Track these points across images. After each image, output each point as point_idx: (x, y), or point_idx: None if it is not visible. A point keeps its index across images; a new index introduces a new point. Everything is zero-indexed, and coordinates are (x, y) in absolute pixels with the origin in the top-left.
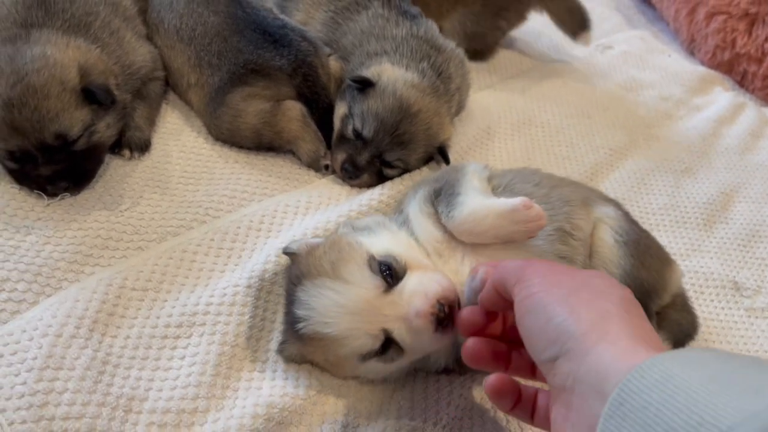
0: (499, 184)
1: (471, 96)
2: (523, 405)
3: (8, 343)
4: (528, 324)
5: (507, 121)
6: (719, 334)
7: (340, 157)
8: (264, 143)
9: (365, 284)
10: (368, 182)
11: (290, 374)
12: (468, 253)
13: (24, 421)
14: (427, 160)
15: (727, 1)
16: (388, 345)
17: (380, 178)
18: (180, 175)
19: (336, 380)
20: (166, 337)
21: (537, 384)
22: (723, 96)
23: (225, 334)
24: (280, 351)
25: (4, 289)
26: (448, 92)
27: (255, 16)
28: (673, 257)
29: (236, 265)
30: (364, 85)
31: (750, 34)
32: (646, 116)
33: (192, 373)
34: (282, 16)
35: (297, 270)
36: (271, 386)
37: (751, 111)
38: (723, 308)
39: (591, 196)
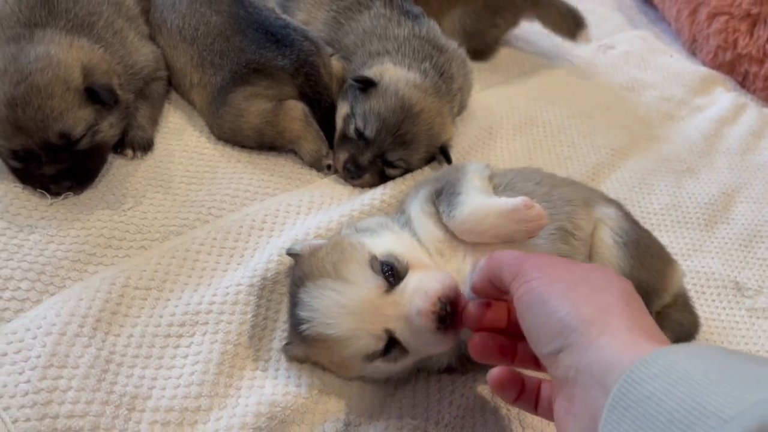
0: (500, 183)
1: (473, 96)
2: (527, 396)
3: (12, 342)
4: (529, 319)
5: (509, 121)
6: (720, 334)
7: (342, 156)
8: (266, 143)
9: (367, 284)
10: (370, 182)
11: (293, 373)
12: (469, 252)
13: (28, 419)
14: (429, 160)
15: (729, 1)
16: (392, 345)
17: (382, 178)
18: (183, 175)
19: (338, 379)
20: (169, 335)
21: (541, 375)
22: (724, 96)
23: (228, 333)
24: (285, 352)
25: (7, 288)
26: (450, 92)
27: (257, 16)
28: (674, 257)
29: (239, 264)
30: (367, 85)
31: (751, 34)
32: (647, 116)
33: (195, 371)
34: (284, 16)
35: (300, 271)
36: (274, 385)
37: (752, 111)
38: (724, 308)
39: (592, 197)
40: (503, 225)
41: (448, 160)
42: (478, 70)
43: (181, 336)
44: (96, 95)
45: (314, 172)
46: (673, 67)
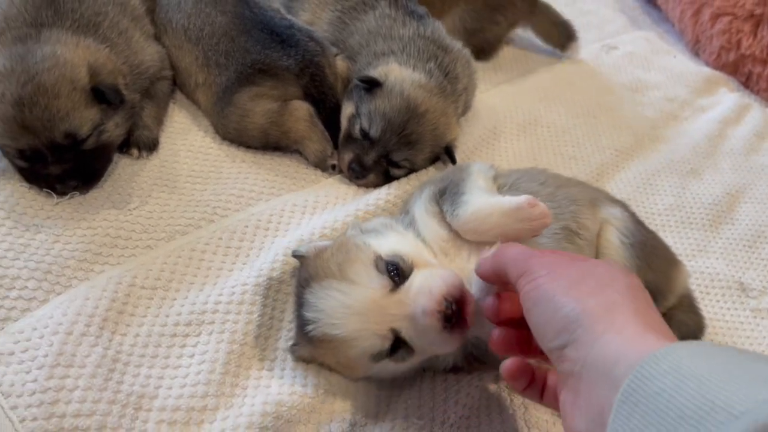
0: (504, 183)
1: (477, 96)
2: (534, 385)
3: (19, 341)
4: (535, 315)
5: (513, 121)
6: (725, 334)
7: (347, 156)
8: (271, 143)
9: (372, 284)
10: (375, 182)
11: (299, 372)
12: (473, 251)
13: (35, 419)
14: (434, 160)
15: (733, 2)
16: (398, 345)
17: (387, 178)
18: (188, 174)
19: (344, 379)
20: (175, 335)
21: (550, 366)
22: (728, 97)
23: (234, 332)
24: (292, 353)
25: (14, 287)
26: (455, 92)
27: (262, 16)
28: (679, 258)
29: (244, 263)
30: (372, 85)
31: (755, 35)
32: (651, 117)
33: (201, 371)
34: (289, 16)
35: (305, 273)
36: (280, 384)
37: (756, 112)
38: (729, 309)
39: (598, 197)
40: (507, 224)
41: (453, 161)
42: (482, 70)
43: (187, 335)
44: (102, 95)
45: (319, 172)
46: (677, 67)
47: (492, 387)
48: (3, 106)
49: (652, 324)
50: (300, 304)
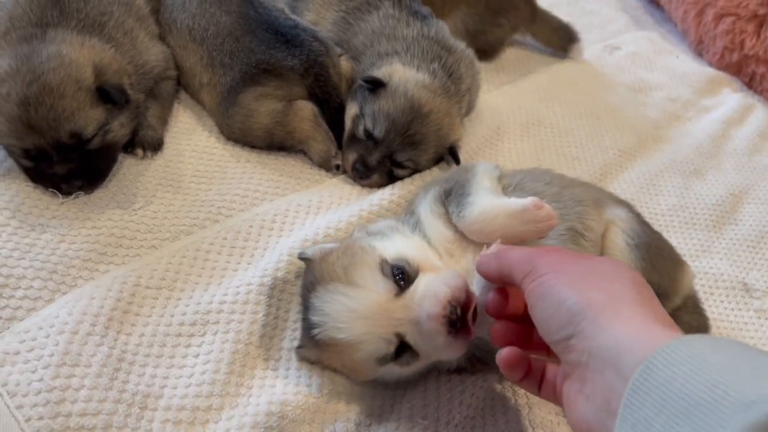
0: (509, 183)
1: (480, 96)
2: (532, 376)
3: (25, 340)
4: (540, 310)
5: (516, 122)
6: (729, 335)
7: (351, 157)
8: (275, 143)
9: (377, 288)
10: (379, 182)
11: (303, 372)
12: (478, 252)
13: (41, 418)
14: (438, 160)
15: (736, 2)
16: (403, 349)
17: (391, 178)
18: (192, 174)
19: (349, 379)
20: (180, 335)
21: (549, 360)
22: (731, 97)
23: (239, 332)
24: (298, 355)
25: (20, 287)
26: (459, 93)
27: (267, 16)
28: (683, 259)
29: (249, 263)
30: (376, 86)
31: (758, 35)
32: (654, 117)
33: (206, 371)
34: (293, 17)
35: (311, 276)
36: (285, 384)
37: (759, 112)
38: (732, 309)
39: (603, 198)
40: (513, 225)
41: (457, 161)
42: (485, 71)
43: (192, 335)
44: (107, 95)
45: (323, 173)
46: (680, 68)
47: (497, 387)
48: (8, 106)
49: (658, 316)
50: (306, 307)
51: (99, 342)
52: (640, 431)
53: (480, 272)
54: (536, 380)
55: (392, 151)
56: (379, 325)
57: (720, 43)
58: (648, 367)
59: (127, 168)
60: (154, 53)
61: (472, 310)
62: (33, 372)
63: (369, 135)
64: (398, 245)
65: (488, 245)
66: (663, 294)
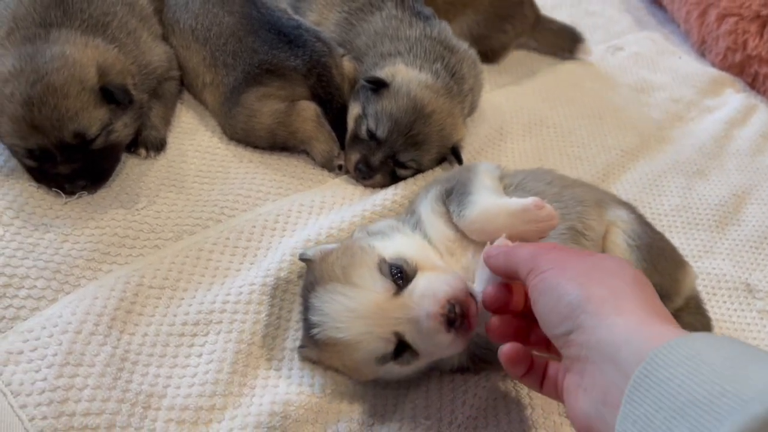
0: (510, 183)
1: (483, 96)
2: (534, 373)
3: (28, 340)
4: (541, 304)
5: (519, 122)
6: (731, 336)
7: (354, 157)
8: (278, 143)
9: (375, 288)
10: (381, 182)
11: (306, 372)
12: (479, 251)
13: (44, 417)
14: (440, 160)
15: (739, 3)
16: (403, 348)
17: (393, 179)
18: (195, 174)
19: (351, 379)
20: (183, 334)
21: (550, 356)
22: (734, 98)
23: (242, 332)
24: (299, 355)
25: (23, 287)
26: (462, 93)
27: (270, 17)
28: (685, 259)
29: (252, 263)
30: (378, 86)
31: (761, 36)
32: (657, 118)
33: (209, 370)
34: (296, 17)
35: (311, 276)
36: (288, 384)
37: (762, 113)
38: (735, 310)
39: (605, 199)
40: (514, 225)
41: (459, 161)
42: (487, 71)
43: (195, 335)
44: (111, 95)
45: (326, 173)
46: (683, 68)
47: (499, 387)
48: (12, 106)
49: (658, 312)
50: (306, 307)
51: (102, 342)
52: (640, 427)
53: (488, 265)
54: (538, 376)
55: (395, 152)
56: (378, 324)
57: (723, 43)
58: (649, 364)
59: (131, 168)
60: (157, 53)
61: (473, 309)
62: (36, 371)
63: (372, 135)
64: (398, 244)
65: (491, 243)
66: (665, 295)
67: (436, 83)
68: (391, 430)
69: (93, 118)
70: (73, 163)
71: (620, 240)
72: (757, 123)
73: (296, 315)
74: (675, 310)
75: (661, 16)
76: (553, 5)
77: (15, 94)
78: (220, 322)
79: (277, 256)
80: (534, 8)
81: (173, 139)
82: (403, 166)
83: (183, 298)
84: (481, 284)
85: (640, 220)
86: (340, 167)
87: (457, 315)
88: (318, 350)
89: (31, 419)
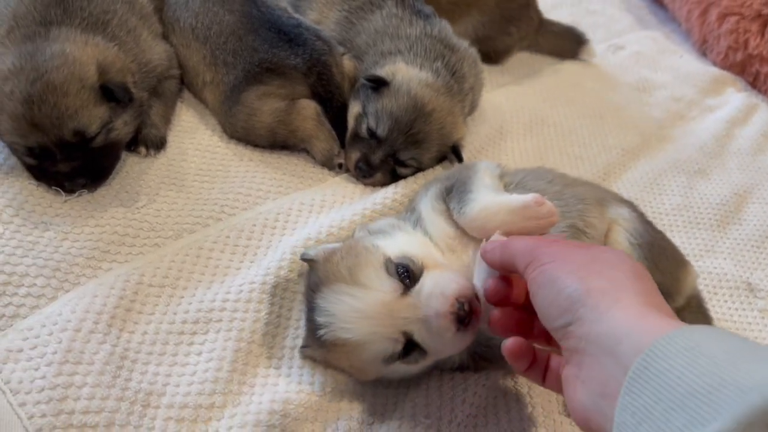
0: (511, 181)
1: (484, 95)
2: (537, 367)
3: (28, 338)
4: (541, 297)
5: (519, 121)
6: None
7: (354, 155)
8: (278, 142)
9: (382, 287)
10: (382, 181)
11: (306, 371)
12: (480, 248)
13: (43, 415)
14: (441, 159)
15: (740, 2)
16: (411, 347)
17: (393, 177)
18: (195, 173)
19: (351, 377)
20: (183, 333)
21: (552, 349)
22: (735, 97)
23: (241, 330)
24: (303, 355)
25: (23, 285)
26: (462, 91)
27: (270, 15)
28: (686, 258)
29: (252, 262)
30: (379, 84)
31: (763, 35)
32: (658, 117)
33: (209, 369)
34: (296, 16)
35: (315, 277)
36: (287, 382)
37: (763, 112)
38: (736, 309)
39: (606, 197)
40: (514, 222)
41: (460, 160)
42: (488, 70)
43: (194, 333)
44: (111, 93)
45: (326, 171)
46: (684, 67)
47: (499, 386)
48: (12, 104)
49: (656, 304)
50: (311, 308)
51: (102, 340)
52: (639, 418)
53: (485, 259)
54: (541, 370)
55: (395, 150)
56: (386, 324)
57: (724, 42)
58: (648, 356)
59: (130, 166)
60: (157, 52)
61: (478, 305)
62: (36, 369)
63: (372, 134)
64: (401, 243)
65: (487, 239)
66: (666, 294)
67: (436, 82)
68: (390, 429)
69: (93, 116)
70: (72, 161)
71: (622, 238)
72: (758, 122)
73: (296, 314)
74: (676, 310)
75: (662, 15)
76: (554, 4)
77: (15, 92)
78: (220, 320)
79: (277, 255)
80: (538, 12)
81: (173, 138)
82: (404, 164)
83: (183, 297)
84: (479, 281)
85: (642, 218)
86: (340, 166)
87: (466, 312)
88: (324, 351)
89: (30, 417)
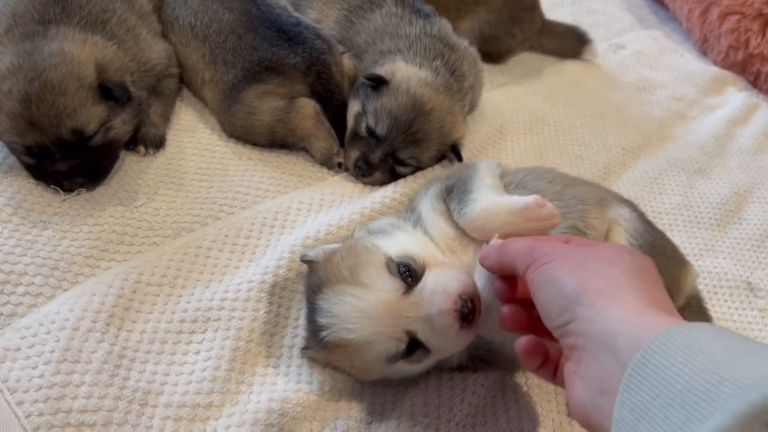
0: (511, 181)
1: (484, 95)
2: (548, 364)
3: (26, 337)
4: (541, 296)
5: (519, 120)
6: None
7: (354, 154)
8: (277, 140)
9: (385, 287)
10: (381, 180)
11: (304, 370)
12: (480, 248)
13: (41, 414)
14: (440, 158)
15: (741, 1)
16: (415, 346)
17: (393, 176)
18: (194, 172)
19: (350, 377)
20: (181, 332)
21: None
22: (736, 96)
23: (239, 329)
24: (304, 356)
25: (21, 283)
26: (462, 90)
27: (269, 14)
28: (686, 258)
29: (250, 261)
30: (378, 83)
31: (763, 34)
32: (658, 116)
33: (207, 368)
34: (296, 14)
35: (316, 278)
36: (286, 381)
37: (764, 111)
38: (736, 309)
39: (606, 197)
40: (515, 223)
41: (459, 159)
42: (488, 70)
43: (193, 332)
44: (109, 92)
45: (325, 170)
46: (685, 66)
47: (498, 386)
48: (10, 103)
49: (655, 301)
50: (312, 309)
51: (100, 339)
52: (637, 414)
53: (483, 265)
54: (552, 368)
55: (394, 149)
56: (389, 323)
57: (725, 41)
58: (646, 352)
59: (129, 165)
60: (156, 50)
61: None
62: (33, 368)
63: (371, 132)
64: (401, 242)
65: (488, 242)
66: None
67: (435, 80)
68: (389, 428)
69: (91, 115)
70: (71, 160)
71: (622, 239)
72: (759, 121)
73: (295, 313)
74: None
75: (662, 15)
76: (555, 3)
77: (13, 90)
78: (219, 319)
79: (276, 254)
80: (541, 15)
81: (172, 137)
82: (403, 163)
83: (181, 296)
84: (480, 284)
85: (642, 218)
86: (339, 165)
87: (469, 310)
88: (326, 352)
89: (28, 416)
